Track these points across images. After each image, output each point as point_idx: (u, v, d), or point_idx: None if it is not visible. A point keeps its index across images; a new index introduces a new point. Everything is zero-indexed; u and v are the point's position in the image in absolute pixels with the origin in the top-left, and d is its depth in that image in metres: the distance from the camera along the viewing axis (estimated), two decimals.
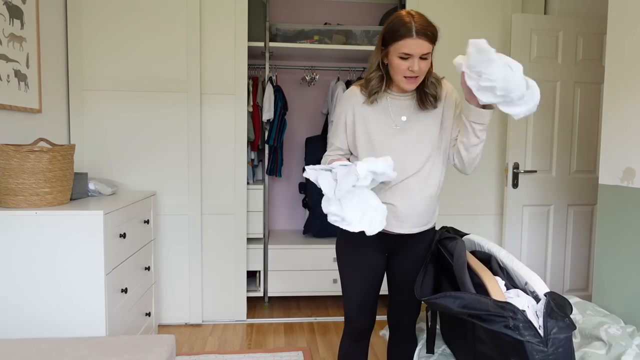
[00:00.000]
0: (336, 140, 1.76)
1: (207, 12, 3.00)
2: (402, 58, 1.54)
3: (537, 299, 1.35)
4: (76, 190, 2.36)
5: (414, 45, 1.51)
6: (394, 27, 1.54)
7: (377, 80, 1.64)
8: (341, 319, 3.27)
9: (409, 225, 1.68)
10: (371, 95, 1.65)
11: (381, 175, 1.45)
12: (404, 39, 1.51)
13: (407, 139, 1.65)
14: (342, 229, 1.49)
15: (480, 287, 1.40)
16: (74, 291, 2.02)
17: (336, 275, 3.40)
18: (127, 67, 2.94)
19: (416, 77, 1.58)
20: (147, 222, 2.70)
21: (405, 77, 1.57)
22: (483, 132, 1.58)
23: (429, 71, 1.62)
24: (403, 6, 3.30)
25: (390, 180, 1.50)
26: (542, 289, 1.35)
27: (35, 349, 1.64)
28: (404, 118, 1.66)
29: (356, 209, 1.46)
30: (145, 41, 2.95)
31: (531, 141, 3.12)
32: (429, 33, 1.51)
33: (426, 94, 1.64)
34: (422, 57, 1.54)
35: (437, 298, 1.36)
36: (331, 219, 1.48)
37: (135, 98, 2.97)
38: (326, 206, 1.48)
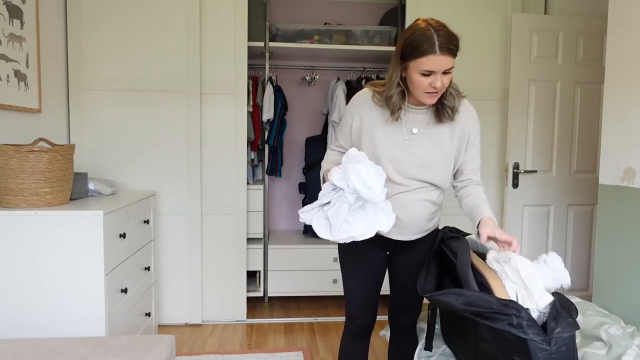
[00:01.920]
0: (340, 140, 1.76)
1: (207, 12, 3.00)
2: (424, 75, 1.44)
3: None
4: (76, 190, 2.36)
5: (438, 62, 1.41)
6: (414, 42, 1.42)
7: (398, 97, 1.55)
8: (341, 319, 3.27)
9: (409, 233, 1.68)
10: (394, 112, 1.56)
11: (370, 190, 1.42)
12: (427, 56, 1.40)
13: (412, 152, 1.60)
14: None
15: (483, 286, 1.40)
16: (74, 291, 2.02)
17: (336, 275, 3.40)
18: (127, 67, 2.94)
19: (437, 91, 1.49)
20: (147, 222, 2.70)
21: (426, 92, 1.49)
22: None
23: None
24: (403, 6, 3.29)
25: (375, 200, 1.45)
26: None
27: (35, 349, 1.64)
28: (415, 131, 1.61)
29: (362, 222, 1.45)
30: (145, 41, 2.94)
31: (531, 141, 3.12)
32: (453, 47, 1.41)
33: (444, 106, 1.56)
34: (445, 72, 1.45)
35: (440, 294, 1.36)
36: (342, 239, 1.46)
37: (135, 98, 2.96)
38: (332, 236, 1.46)
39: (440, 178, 1.64)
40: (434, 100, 1.53)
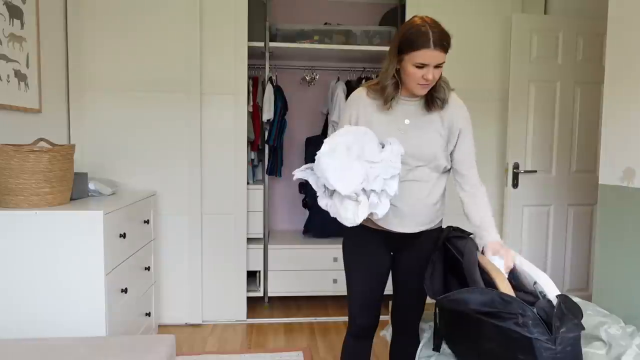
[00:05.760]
0: None
1: (207, 12, 3.00)
2: (417, 67, 1.56)
3: (546, 299, 1.35)
4: (76, 190, 2.35)
5: (431, 56, 1.53)
6: (411, 37, 1.54)
7: (392, 87, 1.65)
8: (341, 319, 3.27)
9: (412, 224, 1.70)
10: (387, 102, 1.67)
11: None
12: (422, 50, 1.52)
13: (409, 142, 1.66)
14: (347, 227, 1.54)
15: (490, 285, 1.41)
16: (74, 291, 2.01)
17: (336, 275, 3.40)
18: (127, 67, 2.94)
19: (429, 83, 1.60)
20: (147, 222, 2.70)
21: (419, 83, 1.60)
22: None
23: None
24: (403, 6, 3.29)
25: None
26: (552, 290, 1.35)
27: (35, 349, 1.64)
28: (407, 121, 1.68)
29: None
30: (145, 41, 2.94)
31: (531, 141, 3.12)
32: (445, 44, 1.54)
33: (433, 97, 1.66)
34: (436, 66, 1.56)
35: (444, 298, 1.38)
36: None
37: (135, 98, 2.96)
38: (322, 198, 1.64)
39: (434, 163, 1.69)
40: (425, 91, 1.63)
